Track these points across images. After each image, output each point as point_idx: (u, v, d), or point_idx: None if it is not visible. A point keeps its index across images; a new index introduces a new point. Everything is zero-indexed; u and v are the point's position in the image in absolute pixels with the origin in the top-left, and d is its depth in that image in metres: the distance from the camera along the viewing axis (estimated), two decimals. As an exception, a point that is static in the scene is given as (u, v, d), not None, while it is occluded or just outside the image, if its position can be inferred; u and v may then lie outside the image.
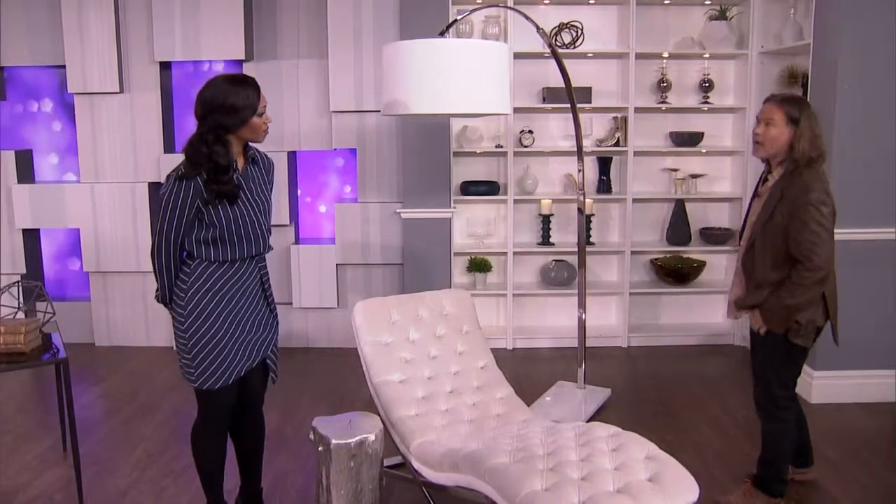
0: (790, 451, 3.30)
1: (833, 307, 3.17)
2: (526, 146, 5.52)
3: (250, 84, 2.80)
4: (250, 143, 2.93)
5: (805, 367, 4.52)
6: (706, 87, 5.57)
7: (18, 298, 4.02)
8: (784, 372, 3.19)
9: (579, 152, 4.39)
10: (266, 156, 3.05)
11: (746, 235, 3.21)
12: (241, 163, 2.88)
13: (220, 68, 5.61)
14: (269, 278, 3.05)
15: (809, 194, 2.94)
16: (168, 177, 2.78)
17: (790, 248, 3.00)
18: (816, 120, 3.07)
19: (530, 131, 5.54)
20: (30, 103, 5.80)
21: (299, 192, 5.84)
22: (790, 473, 3.45)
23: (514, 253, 5.61)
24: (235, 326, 2.89)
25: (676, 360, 5.39)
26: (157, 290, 2.93)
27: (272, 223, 3.37)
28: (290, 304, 5.61)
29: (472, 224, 5.68)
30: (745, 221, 3.32)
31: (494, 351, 3.79)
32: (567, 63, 4.35)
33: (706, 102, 5.58)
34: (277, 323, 3.11)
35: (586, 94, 5.46)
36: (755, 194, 3.27)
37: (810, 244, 2.93)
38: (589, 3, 5.53)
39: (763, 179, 3.24)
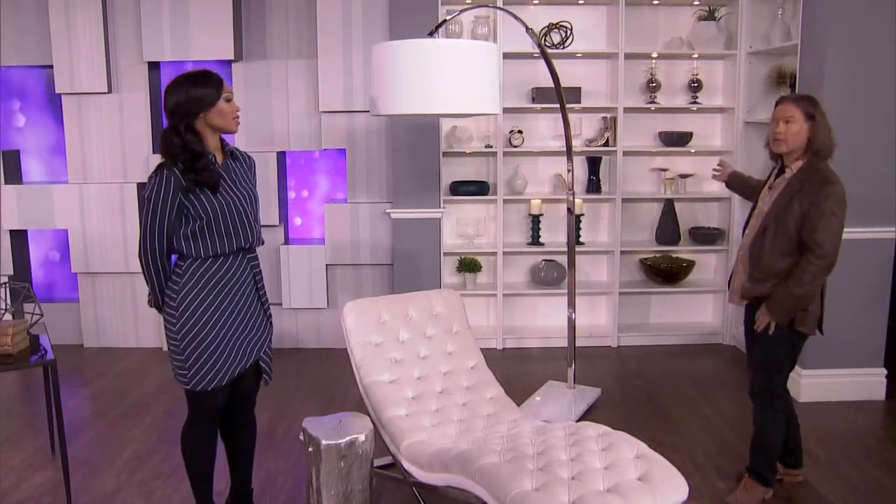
0: (781, 440, 3.37)
1: (824, 298, 3.30)
2: (515, 146, 5.52)
3: (211, 75, 2.84)
4: (226, 139, 2.96)
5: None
6: (695, 87, 5.58)
7: (6, 300, 4.00)
8: (784, 361, 3.29)
9: (569, 152, 4.40)
10: (246, 154, 3.07)
11: (756, 224, 3.32)
12: (220, 158, 2.90)
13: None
14: (262, 276, 3.04)
15: (832, 186, 3.09)
16: (149, 178, 2.81)
17: (803, 234, 3.12)
18: (825, 114, 3.22)
19: (520, 131, 5.54)
20: (17, 103, 5.77)
21: (293, 194, 5.84)
22: (780, 473, 3.51)
23: (504, 253, 5.62)
24: (228, 326, 2.88)
25: (666, 360, 5.40)
26: (149, 295, 2.91)
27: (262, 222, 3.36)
28: (280, 304, 5.59)
29: (461, 224, 5.68)
30: (751, 213, 3.44)
31: (484, 351, 3.79)
32: (556, 63, 4.36)
33: (695, 102, 5.59)
34: (271, 324, 3.10)
35: (576, 94, 5.47)
36: (766, 187, 3.39)
37: (824, 231, 3.06)
38: (578, 4, 5.54)
39: (776, 174, 3.36)
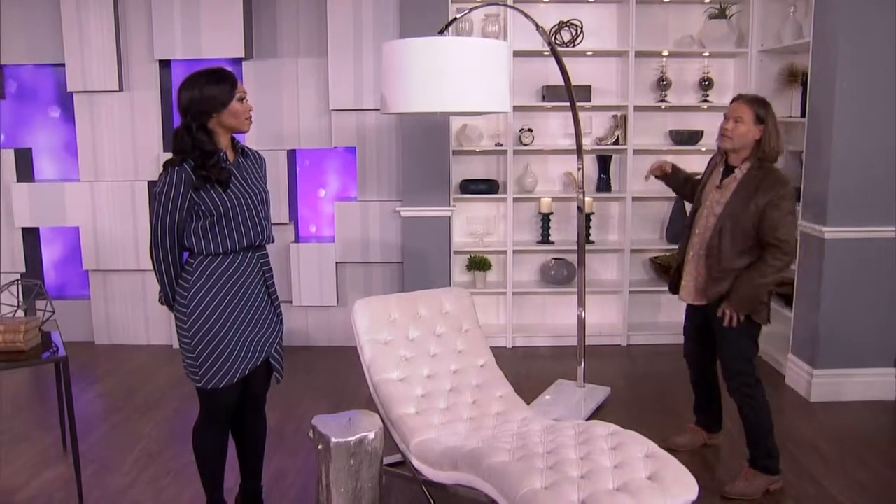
0: (771, 425, 3.48)
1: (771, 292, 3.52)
2: (525, 144, 5.52)
3: (226, 74, 2.84)
4: (237, 138, 2.96)
5: (804, 366, 4.56)
6: (706, 85, 5.56)
7: (18, 297, 4.02)
8: (751, 351, 3.47)
9: (579, 151, 4.39)
10: (257, 152, 3.08)
11: (707, 224, 3.47)
12: (231, 156, 2.91)
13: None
14: (272, 274, 3.04)
15: (787, 187, 3.29)
16: (159, 176, 2.82)
17: (764, 234, 3.29)
18: (776, 119, 3.40)
19: (530, 129, 5.54)
20: (29, 102, 5.80)
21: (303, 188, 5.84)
22: (704, 439, 3.89)
23: (514, 251, 5.61)
24: (239, 324, 2.89)
25: (676, 359, 5.34)
26: (160, 292, 2.92)
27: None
28: (290, 302, 5.60)
29: (471, 222, 5.68)
30: (694, 212, 3.60)
31: (494, 349, 3.78)
32: (567, 61, 4.35)
33: (706, 101, 5.57)
34: (281, 321, 3.10)
35: (586, 92, 5.46)
36: (714, 186, 3.51)
37: (786, 229, 3.26)
38: (588, 2, 5.53)
39: (723, 173, 3.49)
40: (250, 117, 2.90)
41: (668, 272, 5.63)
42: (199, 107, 2.77)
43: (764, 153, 3.35)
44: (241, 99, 2.84)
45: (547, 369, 5.13)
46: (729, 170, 3.46)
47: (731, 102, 3.45)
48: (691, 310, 3.71)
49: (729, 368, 3.48)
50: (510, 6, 4.88)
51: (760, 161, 3.36)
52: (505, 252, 5.62)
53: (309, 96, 5.51)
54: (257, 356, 2.96)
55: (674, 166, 3.95)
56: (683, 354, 3.87)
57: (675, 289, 3.73)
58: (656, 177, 3.98)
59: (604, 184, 5.67)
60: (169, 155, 2.84)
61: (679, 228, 5.62)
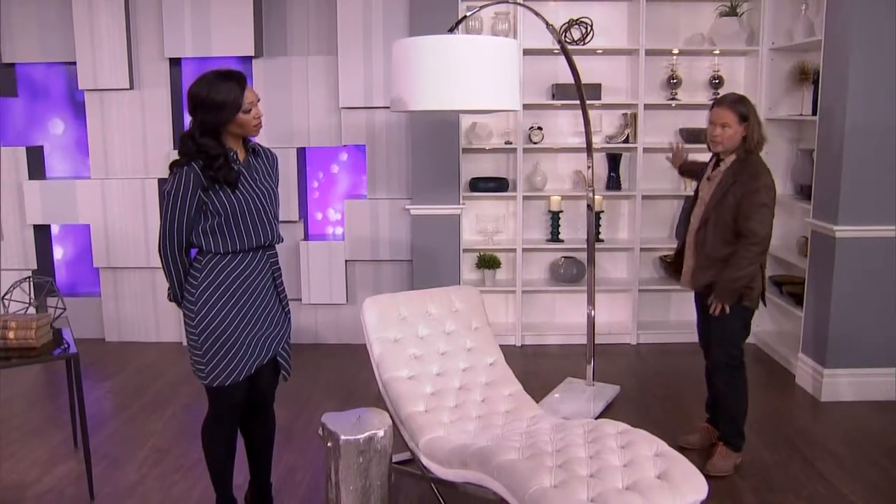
0: (746, 408, 3.69)
1: (765, 275, 3.64)
2: (535, 143, 5.51)
3: (235, 79, 2.78)
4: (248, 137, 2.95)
5: (815, 365, 4.54)
6: (716, 83, 5.55)
7: (30, 294, 4.04)
8: (739, 334, 3.62)
9: (589, 149, 4.38)
10: (269, 150, 3.07)
11: (698, 213, 3.66)
12: (241, 154, 2.90)
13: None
14: (280, 273, 3.05)
15: (761, 178, 3.42)
16: (169, 175, 2.82)
17: (739, 224, 3.44)
18: (755, 110, 3.56)
19: (539, 128, 5.53)
20: (40, 100, 5.82)
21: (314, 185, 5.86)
22: (715, 438, 3.82)
23: (524, 249, 5.61)
24: (246, 322, 2.90)
25: (685, 357, 5.37)
26: (169, 290, 2.93)
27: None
28: (300, 300, 5.62)
29: (481, 220, 5.68)
30: (693, 202, 3.76)
31: (503, 347, 3.78)
32: (577, 59, 4.34)
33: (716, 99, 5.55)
34: (289, 320, 3.11)
35: (596, 90, 5.45)
36: (705, 178, 3.71)
37: (757, 221, 3.39)
38: (599, -1, 5.53)
39: (713, 165, 3.69)
40: (259, 123, 2.87)
41: (677, 270, 5.64)
42: (205, 116, 2.75)
43: (750, 146, 3.50)
44: (248, 111, 2.80)
45: (556, 367, 5.13)
46: (719, 162, 3.64)
47: (713, 108, 3.58)
48: (698, 296, 3.80)
49: (715, 350, 3.65)
50: (520, 4, 4.86)
51: (747, 153, 3.51)
52: (514, 250, 5.61)
53: (319, 94, 5.52)
54: (264, 354, 2.97)
55: (687, 161, 4.32)
56: (701, 346, 3.93)
57: (677, 275, 3.90)
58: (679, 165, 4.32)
59: (614, 182, 5.66)
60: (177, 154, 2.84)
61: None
